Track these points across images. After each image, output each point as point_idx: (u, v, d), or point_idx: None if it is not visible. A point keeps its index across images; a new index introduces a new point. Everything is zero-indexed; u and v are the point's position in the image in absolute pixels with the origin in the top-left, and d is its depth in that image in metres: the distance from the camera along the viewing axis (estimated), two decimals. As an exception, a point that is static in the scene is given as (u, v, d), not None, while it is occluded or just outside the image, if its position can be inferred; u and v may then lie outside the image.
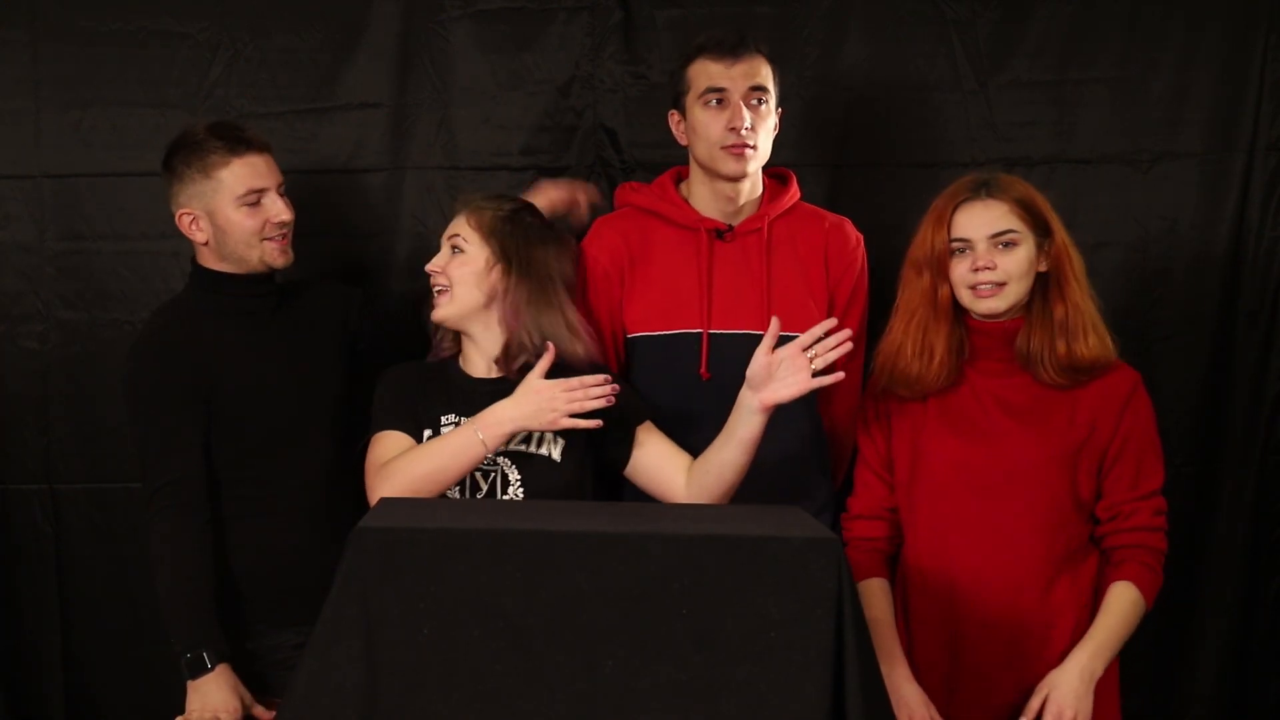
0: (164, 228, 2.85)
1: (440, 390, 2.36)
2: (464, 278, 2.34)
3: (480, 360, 2.39)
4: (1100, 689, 2.22)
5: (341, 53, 2.86)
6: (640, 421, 2.36)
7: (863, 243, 2.59)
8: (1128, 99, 2.87)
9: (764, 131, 2.44)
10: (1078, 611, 2.24)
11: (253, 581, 2.40)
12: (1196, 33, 2.87)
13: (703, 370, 2.44)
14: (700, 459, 2.29)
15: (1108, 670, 2.24)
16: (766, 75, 2.45)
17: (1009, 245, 2.23)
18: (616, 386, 2.23)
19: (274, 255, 2.42)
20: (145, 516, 2.34)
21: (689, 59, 2.47)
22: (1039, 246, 2.25)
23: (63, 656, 2.91)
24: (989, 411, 2.26)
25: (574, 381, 2.21)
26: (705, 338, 2.46)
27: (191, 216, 2.41)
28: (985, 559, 2.24)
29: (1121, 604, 2.22)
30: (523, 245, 2.37)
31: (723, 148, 2.42)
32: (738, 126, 2.40)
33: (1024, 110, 2.88)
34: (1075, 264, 2.26)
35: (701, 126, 2.44)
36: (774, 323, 2.19)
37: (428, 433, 2.31)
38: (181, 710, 2.26)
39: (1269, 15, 2.86)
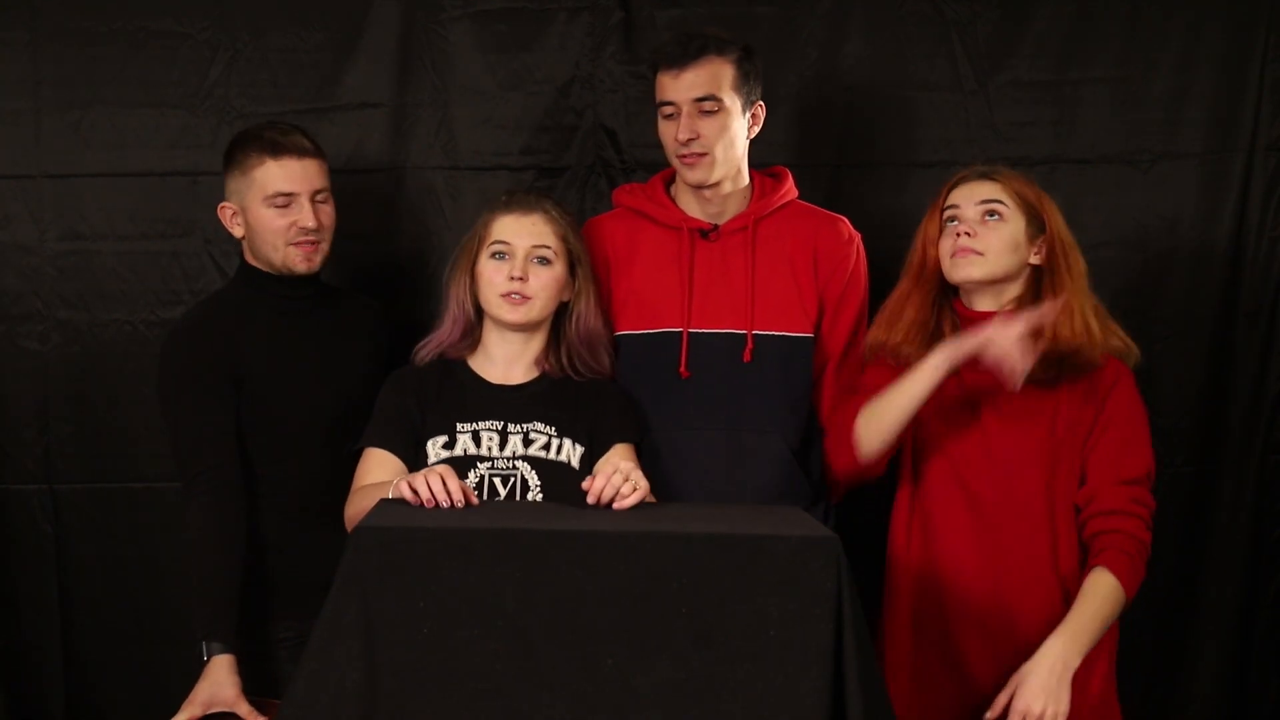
0: (164, 228, 2.87)
1: (455, 396, 2.35)
2: (551, 291, 2.35)
3: (502, 363, 2.38)
4: (1096, 687, 2.22)
5: (341, 53, 2.87)
6: (622, 440, 2.36)
7: (859, 241, 2.58)
8: (1128, 99, 2.87)
9: (720, 139, 2.44)
10: (1062, 611, 2.22)
11: (268, 570, 2.42)
12: (1196, 33, 2.86)
13: (682, 369, 2.46)
14: None
15: (1101, 666, 2.23)
16: (720, 79, 2.43)
17: (994, 217, 2.25)
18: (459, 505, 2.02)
19: (296, 260, 2.44)
20: (183, 500, 2.38)
21: (651, 68, 2.50)
22: (1030, 235, 2.26)
23: (63, 656, 2.91)
24: (978, 405, 2.28)
25: (458, 496, 1.99)
26: (685, 336, 2.47)
27: (232, 210, 2.48)
28: (968, 552, 2.25)
29: (1098, 590, 2.15)
30: (584, 251, 2.42)
31: (676, 157, 2.46)
32: (680, 138, 2.43)
33: (1024, 110, 2.88)
34: (1073, 262, 2.27)
35: (660, 136, 2.49)
36: None
37: (441, 439, 2.30)
38: (177, 709, 2.27)
39: (1269, 15, 2.86)
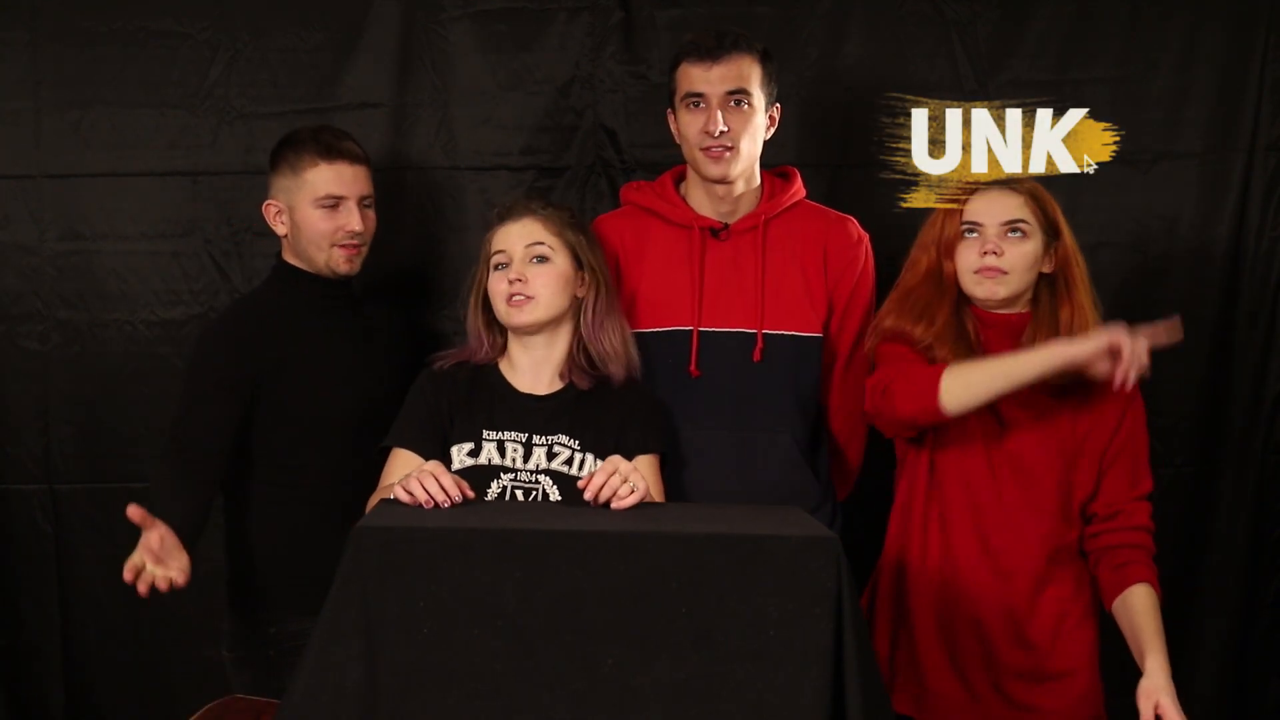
0: (164, 228, 2.87)
1: (485, 402, 2.34)
2: (554, 287, 2.32)
3: (529, 372, 2.36)
4: (1084, 686, 2.27)
5: (341, 53, 2.87)
6: (646, 451, 2.33)
7: (867, 241, 2.58)
8: (1128, 99, 2.87)
9: (746, 133, 2.45)
10: (1062, 617, 2.27)
11: (281, 567, 2.45)
12: (1196, 33, 2.86)
13: (693, 368, 2.46)
14: None
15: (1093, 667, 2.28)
16: (749, 76, 2.44)
17: (1019, 234, 2.24)
18: (457, 503, 2.00)
19: (339, 261, 2.50)
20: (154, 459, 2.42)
21: (675, 61, 2.49)
22: (1046, 246, 2.26)
23: (63, 656, 2.92)
24: (997, 404, 2.26)
25: (454, 491, 1.98)
26: (695, 335, 2.47)
27: (277, 209, 2.52)
28: (981, 550, 2.26)
29: (1151, 606, 2.20)
30: (595, 251, 2.40)
31: (701, 149, 2.45)
32: (711, 130, 2.42)
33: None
34: (1081, 268, 2.28)
35: (683, 129, 2.48)
36: None
37: (467, 446, 2.29)
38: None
39: (1269, 15, 2.86)
